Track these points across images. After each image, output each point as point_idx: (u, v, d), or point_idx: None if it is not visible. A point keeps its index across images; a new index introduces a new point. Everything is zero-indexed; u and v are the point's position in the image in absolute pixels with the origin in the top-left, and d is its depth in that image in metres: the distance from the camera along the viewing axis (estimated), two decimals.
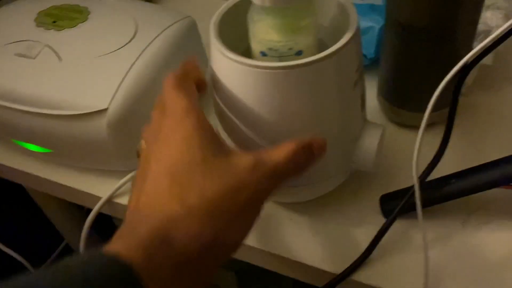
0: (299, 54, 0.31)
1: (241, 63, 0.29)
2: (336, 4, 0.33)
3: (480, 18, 0.46)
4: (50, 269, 0.20)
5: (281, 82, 0.29)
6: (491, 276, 0.34)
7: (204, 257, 0.23)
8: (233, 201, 0.24)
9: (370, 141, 0.34)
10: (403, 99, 0.42)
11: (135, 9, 0.44)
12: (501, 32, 0.28)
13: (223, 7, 0.33)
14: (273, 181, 0.26)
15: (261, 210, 0.26)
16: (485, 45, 0.28)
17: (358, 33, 0.31)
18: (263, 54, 0.32)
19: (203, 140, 0.25)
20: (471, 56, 0.29)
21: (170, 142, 0.25)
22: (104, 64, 0.39)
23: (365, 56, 0.47)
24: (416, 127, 0.44)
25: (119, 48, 0.40)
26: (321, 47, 0.34)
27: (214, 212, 0.23)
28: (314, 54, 0.29)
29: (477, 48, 0.28)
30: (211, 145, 0.26)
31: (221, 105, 0.33)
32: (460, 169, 0.36)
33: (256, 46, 0.32)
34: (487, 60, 0.45)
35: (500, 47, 0.45)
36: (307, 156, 0.27)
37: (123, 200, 0.42)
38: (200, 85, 0.29)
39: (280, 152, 0.26)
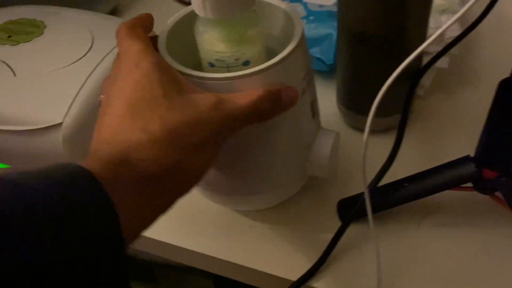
0: (246, 64, 0.31)
1: (187, 75, 0.29)
2: (283, 14, 0.34)
3: (435, 23, 0.47)
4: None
5: (227, 92, 0.29)
6: (445, 276, 0.34)
7: (165, 181, 0.24)
8: (194, 133, 0.25)
9: (323, 148, 0.35)
10: (359, 105, 0.43)
11: (91, 21, 0.44)
12: (433, 40, 0.28)
13: (171, 20, 0.34)
14: (235, 123, 0.27)
15: (221, 145, 0.27)
16: (419, 52, 0.29)
17: (303, 42, 0.32)
18: (212, 65, 0.32)
19: (163, 78, 0.26)
20: (407, 64, 0.30)
21: (129, 80, 0.26)
22: (59, 78, 0.39)
23: (324, 62, 0.47)
24: (375, 132, 0.45)
25: (74, 62, 0.40)
26: (272, 56, 0.35)
27: (176, 140, 0.24)
28: (261, 63, 0.30)
29: (411, 56, 0.29)
30: (172, 83, 0.26)
31: None
32: (417, 171, 0.37)
33: (204, 57, 0.32)
34: (443, 63, 0.46)
35: (454, 51, 0.46)
36: (274, 103, 0.28)
37: None
38: (148, 29, 0.30)
39: (245, 96, 0.27)
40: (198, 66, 0.33)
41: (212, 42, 0.31)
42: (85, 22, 0.44)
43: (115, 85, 0.26)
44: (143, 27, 0.30)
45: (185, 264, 0.41)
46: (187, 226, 0.40)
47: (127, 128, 0.24)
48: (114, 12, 0.65)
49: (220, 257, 0.38)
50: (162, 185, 0.24)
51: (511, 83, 0.29)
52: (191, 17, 0.33)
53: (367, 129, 0.32)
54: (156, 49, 0.30)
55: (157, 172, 0.24)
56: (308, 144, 0.35)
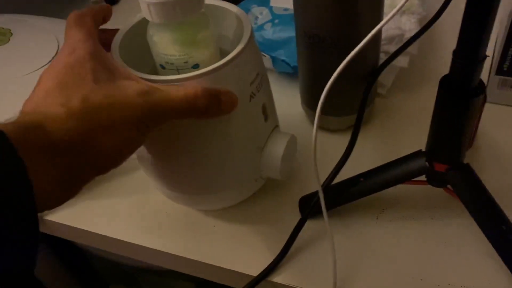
0: (195, 67, 0.32)
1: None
2: (234, 17, 0.35)
3: (396, 23, 0.49)
4: None
5: None
6: (400, 268, 0.35)
7: (75, 155, 0.24)
8: (112, 114, 0.25)
9: (275, 150, 0.36)
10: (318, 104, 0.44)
11: (58, 28, 0.45)
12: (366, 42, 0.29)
13: (126, 25, 0.34)
14: (162, 114, 0.27)
15: (146, 134, 0.27)
16: (359, 49, 0.29)
17: (252, 45, 0.32)
18: (163, 67, 0.33)
19: (96, 67, 0.27)
20: (348, 60, 0.30)
21: (63, 63, 0.27)
22: (26, 84, 0.40)
23: (288, 64, 0.48)
24: (340, 131, 0.46)
25: (39, 68, 0.41)
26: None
27: (91, 118, 0.25)
28: None
29: (352, 54, 0.30)
30: (104, 71, 0.27)
31: None
32: (376, 165, 0.38)
33: (156, 60, 0.33)
34: (403, 63, 0.47)
35: (414, 50, 0.47)
36: (210, 103, 0.29)
37: (54, 217, 0.43)
38: (98, 19, 0.31)
39: (181, 90, 0.28)
40: (155, 70, 0.34)
41: (161, 45, 0.32)
42: (52, 28, 0.45)
43: (49, 67, 0.28)
44: (92, 17, 0.30)
45: (167, 268, 0.42)
46: (153, 227, 0.41)
47: (49, 102, 0.25)
48: None
49: (186, 256, 0.38)
50: (72, 158, 0.24)
51: (449, 79, 0.30)
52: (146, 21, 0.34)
53: (315, 127, 0.33)
54: (105, 41, 0.31)
55: (67, 143, 0.24)
56: (260, 147, 0.36)
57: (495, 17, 0.26)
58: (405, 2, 0.26)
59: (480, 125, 0.44)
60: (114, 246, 0.42)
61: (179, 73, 0.32)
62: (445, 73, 0.30)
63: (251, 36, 0.32)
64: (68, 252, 0.85)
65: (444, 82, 0.30)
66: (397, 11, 0.26)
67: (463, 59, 0.28)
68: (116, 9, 0.69)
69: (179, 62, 0.32)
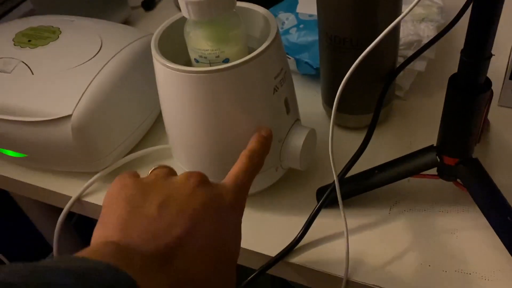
0: (226, 61, 0.36)
1: (173, 68, 0.34)
2: (262, 18, 0.38)
3: (415, 30, 0.51)
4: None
5: (203, 84, 0.34)
6: (410, 256, 0.38)
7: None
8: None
9: (295, 142, 0.39)
10: (340, 103, 0.46)
11: (101, 28, 0.50)
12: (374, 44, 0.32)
13: (165, 23, 0.38)
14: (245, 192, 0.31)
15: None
16: (371, 48, 0.32)
17: (277, 43, 0.36)
18: (197, 61, 0.36)
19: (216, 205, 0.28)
20: (360, 59, 0.33)
21: (196, 203, 0.27)
22: (71, 77, 0.44)
23: (311, 66, 0.51)
24: (359, 129, 0.49)
25: (84, 63, 0.45)
26: None
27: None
28: None
29: (364, 53, 0.33)
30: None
31: (164, 108, 0.38)
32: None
33: (191, 54, 0.37)
34: (421, 67, 0.49)
35: (431, 55, 0.50)
36: (263, 154, 0.33)
37: (92, 199, 0.47)
38: None
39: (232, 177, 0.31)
40: (189, 63, 0.38)
41: (196, 40, 0.35)
42: (96, 29, 0.49)
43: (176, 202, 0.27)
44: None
45: None
46: None
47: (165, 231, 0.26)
48: (125, 23, 0.71)
49: None
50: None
51: (457, 78, 0.32)
52: (183, 20, 0.38)
53: (332, 122, 0.35)
54: None
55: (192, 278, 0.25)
56: (282, 138, 0.39)
57: (499, 19, 0.28)
58: None
59: (492, 127, 0.46)
60: None
61: (211, 66, 0.36)
62: None
63: (277, 34, 0.36)
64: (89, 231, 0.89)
65: (453, 80, 0.33)
66: (415, 5, 0.29)
67: (470, 58, 0.30)
68: (152, 15, 0.74)
69: (212, 56, 0.36)
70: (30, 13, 0.72)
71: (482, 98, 0.32)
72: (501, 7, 0.28)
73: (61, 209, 0.47)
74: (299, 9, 0.57)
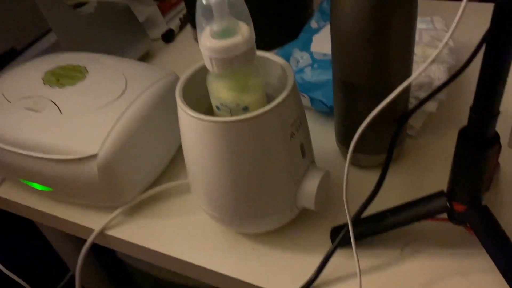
0: (245, 109, 0.38)
1: (195, 117, 0.36)
2: (279, 67, 0.40)
3: (426, 71, 0.53)
4: None
5: (223, 133, 0.36)
6: None
7: None
8: None
9: (310, 184, 0.40)
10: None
11: (126, 67, 0.52)
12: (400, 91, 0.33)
13: (189, 71, 0.41)
14: None
15: None
16: (393, 98, 0.34)
17: (294, 93, 0.38)
18: (218, 108, 0.39)
19: None
20: (382, 108, 0.35)
21: None
22: (97, 116, 0.47)
23: (325, 104, 0.53)
24: (370, 167, 0.50)
25: (110, 103, 0.48)
26: (271, 101, 0.41)
27: None
28: (259, 109, 0.36)
29: (385, 102, 0.34)
30: None
31: (185, 150, 0.40)
32: (402, 202, 0.42)
33: (213, 102, 0.39)
34: (432, 108, 0.51)
35: (442, 97, 0.51)
36: None
37: (114, 232, 0.49)
38: None
39: None
40: (211, 107, 0.40)
41: (217, 90, 0.38)
42: (121, 68, 0.52)
43: None
44: None
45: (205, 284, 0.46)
46: (198, 245, 0.46)
47: None
48: (146, 56, 0.74)
49: (226, 274, 0.43)
50: None
51: (466, 131, 0.34)
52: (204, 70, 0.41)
53: (347, 163, 0.37)
54: None
55: None
56: (297, 180, 0.40)
57: (507, 78, 0.30)
58: (437, 54, 0.30)
59: (502, 168, 0.47)
60: (162, 261, 0.48)
61: (231, 114, 0.38)
62: None
63: (294, 85, 0.38)
64: (111, 263, 0.92)
65: (462, 133, 0.34)
66: (428, 64, 0.31)
67: (478, 114, 0.32)
68: (171, 47, 0.77)
69: (232, 105, 0.38)
70: (55, 45, 0.76)
71: (491, 152, 0.33)
72: (509, 67, 0.29)
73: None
74: (314, 47, 0.60)
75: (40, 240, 0.78)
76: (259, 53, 0.40)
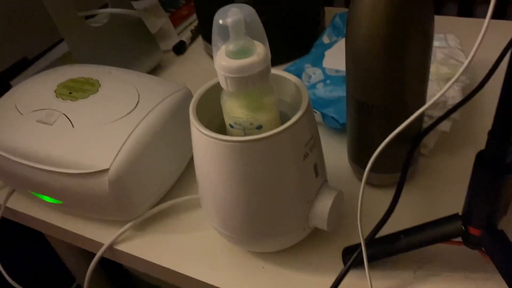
0: (259, 128, 0.37)
1: (209, 136, 0.36)
2: (293, 85, 0.40)
3: (439, 89, 0.52)
4: None
5: (237, 152, 0.35)
6: None
7: None
8: None
9: (323, 204, 0.40)
10: (365, 161, 0.48)
11: (139, 81, 0.52)
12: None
13: (202, 88, 0.40)
14: None
15: None
16: (413, 119, 0.34)
17: (308, 113, 0.37)
18: (232, 126, 0.38)
19: None
20: (401, 129, 0.35)
21: None
22: (109, 131, 0.47)
23: (337, 121, 0.53)
24: (382, 186, 0.50)
25: (122, 117, 0.47)
26: (284, 119, 0.41)
27: None
28: (274, 127, 0.36)
29: (405, 123, 0.34)
30: None
31: (197, 167, 0.40)
32: (417, 223, 0.41)
33: (226, 120, 0.39)
34: (445, 127, 0.51)
35: (456, 116, 0.51)
36: None
37: (123, 247, 0.48)
38: None
39: None
40: (224, 124, 0.40)
41: (232, 108, 0.37)
42: (133, 82, 0.52)
43: None
44: None
45: None
46: (207, 262, 0.45)
47: None
48: (157, 67, 0.74)
49: None
50: None
51: (484, 156, 0.33)
52: (217, 87, 0.40)
53: (362, 185, 0.37)
54: None
55: None
56: (310, 200, 0.40)
57: None
58: (459, 75, 0.30)
59: None
60: (171, 277, 0.47)
61: (245, 133, 0.38)
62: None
63: (309, 104, 0.38)
64: (117, 273, 0.91)
65: (479, 157, 0.34)
66: (448, 88, 0.31)
67: (497, 141, 0.31)
68: (182, 59, 0.77)
69: (246, 123, 0.37)
70: (67, 55, 0.76)
71: (509, 178, 0.33)
72: None
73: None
74: (326, 63, 0.59)
75: (46, 249, 0.78)
76: (273, 71, 0.40)
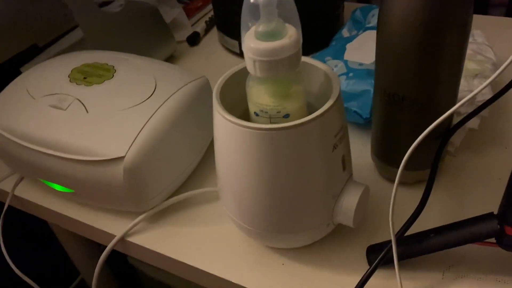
0: (286, 116, 0.35)
1: (234, 123, 0.34)
2: (323, 74, 0.38)
3: (468, 86, 0.51)
4: None
5: (264, 141, 0.34)
6: None
7: None
8: None
9: (349, 200, 0.38)
10: (391, 158, 0.46)
11: (156, 68, 0.51)
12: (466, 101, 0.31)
13: (227, 74, 0.39)
14: None
15: None
16: (448, 115, 0.32)
17: (339, 102, 0.36)
18: (257, 114, 0.36)
19: None
20: (435, 125, 0.33)
21: None
22: (125, 118, 0.45)
23: (360, 116, 0.51)
24: (407, 184, 0.48)
25: (138, 104, 0.46)
26: (310, 110, 0.39)
27: None
28: (301, 117, 0.34)
29: (440, 119, 0.32)
30: None
31: (219, 156, 0.38)
32: (443, 223, 0.39)
33: (251, 107, 0.37)
34: (474, 124, 0.49)
35: (485, 113, 0.49)
36: None
37: (135, 239, 0.47)
38: None
39: None
40: (246, 112, 0.38)
41: (258, 95, 0.35)
42: (150, 69, 0.50)
43: None
44: None
45: None
46: (223, 257, 0.43)
47: None
48: (170, 58, 0.72)
49: None
50: None
51: None
52: (241, 73, 0.39)
53: (396, 182, 0.35)
54: None
55: None
56: (336, 194, 0.38)
57: None
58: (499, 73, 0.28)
59: None
60: (183, 271, 0.45)
61: (271, 121, 0.36)
62: None
63: (340, 94, 0.36)
64: (121, 267, 0.89)
65: None
66: (484, 87, 0.29)
67: None
68: (196, 50, 0.75)
69: (273, 111, 0.35)
70: (78, 43, 0.74)
71: None
72: None
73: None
74: (347, 56, 0.58)
75: (51, 241, 0.76)
76: (302, 58, 0.38)
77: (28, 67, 0.71)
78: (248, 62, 0.34)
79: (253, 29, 0.33)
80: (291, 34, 0.33)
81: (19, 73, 0.69)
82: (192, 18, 0.82)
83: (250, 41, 0.33)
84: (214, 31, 0.79)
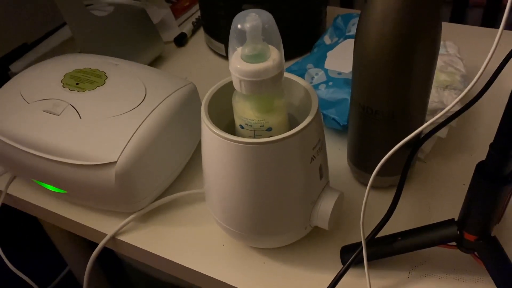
0: (269, 130, 0.39)
1: (220, 136, 0.37)
2: (303, 89, 0.41)
3: (439, 97, 0.54)
4: None
5: (248, 154, 0.37)
6: None
7: None
8: None
9: (325, 205, 0.41)
10: (365, 165, 0.50)
11: (145, 75, 0.53)
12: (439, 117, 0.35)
13: (215, 87, 0.41)
14: None
15: None
16: (420, 130, 0.35)
17: (317, 118, 0.39)
18: (242, 127, 0.39)
19: None
20: (408, 139, 0.36)
21: None
22: (117, 123, 0.47)
23: (338, 123, 0.54)
24: (380, 188, 0.51)
25: (129, 110, 0.48)
26: (292, 121, 0.42)
27: None
28: (283, 130, 0.37)
29: (413, 134, 0.36)
30: None
31: (205, 164, 0.41)
32: (413, 225, 0.43)
33: (237, 120, 0.40)
34: (442, 133, 0.52)
35: (453, 123, 0.53)
36: None
37: (125, 238, 0.49)
38: None
39: None
40: (233, 121, 0.41)
41: (243, 110, 0.38)
42: (140, 75, 0.53)
43: None
44: None
45: None
46: (208, 255, 0.47)
47: None
48: (159, 58, 0.74)
49: (236, 286, 0.44)
50: None
51: (484, 166, 0.35)
52: (229, 86, 0.41)
53: (368, 189, 0.38)
54: None
55: None
56: (314, 200, 0.41)
57: None
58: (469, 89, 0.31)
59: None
60: (172, 268, 0.48)
61: (254, 134, 0.39)
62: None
63: (318, 109, 0.39)
64: (109, 261, 0.92)
65: (480, 168, 0.36)
66: (457, 102, 0.32)
67: (498, 153, 0.33)
68: (183, 51, 0.77)
69: (256, 125, 0.39)
70: (67, 42, 0.76)
71: (506, 188, 0.34)
72: None
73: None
74: (327, 64, 0.61)
75: (39, 233, 0.79)
76: (285, 74, 0.41)
77: (18, 65, 0.72)
78: (235, 80, 0.37)
79: (239, 50, 0.36)
80: (275, 56, 0.36)
81: (8, 70, 0.71)
82: (179, 18, 0.84)
83: (237, 62, 0.36)
84: (201, 32, 0.81)
